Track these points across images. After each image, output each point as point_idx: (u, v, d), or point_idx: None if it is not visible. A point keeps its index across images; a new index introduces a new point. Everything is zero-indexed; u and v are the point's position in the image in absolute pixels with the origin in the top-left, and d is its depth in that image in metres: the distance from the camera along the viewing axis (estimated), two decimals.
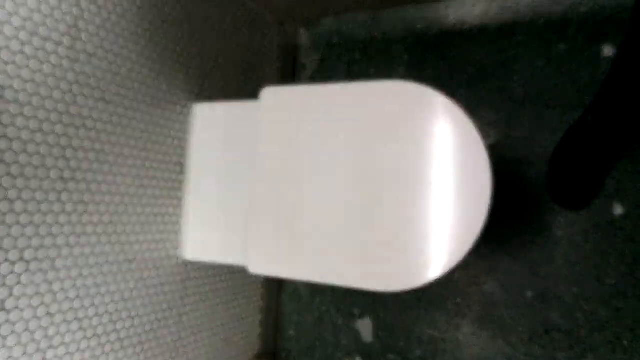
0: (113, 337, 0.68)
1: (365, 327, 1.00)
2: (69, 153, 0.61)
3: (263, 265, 0.70)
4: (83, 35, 0.63)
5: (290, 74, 1.12)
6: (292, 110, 0.70)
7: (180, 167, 0.79)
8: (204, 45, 0.85)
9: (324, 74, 1.10)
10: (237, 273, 0.94)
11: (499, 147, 0.91)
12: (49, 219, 0.59)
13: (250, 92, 0.99)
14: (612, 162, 0.83)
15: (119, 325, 0.68)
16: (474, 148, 0.61)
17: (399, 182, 0.63)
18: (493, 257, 0.91)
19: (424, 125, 0.63)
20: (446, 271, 0.61)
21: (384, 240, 0.63)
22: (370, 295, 1.00)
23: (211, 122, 0.80)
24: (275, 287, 1.08)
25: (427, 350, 0.94)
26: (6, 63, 0.54)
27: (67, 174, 0.61)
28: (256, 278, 1.01)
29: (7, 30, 0.54)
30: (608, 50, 0.86)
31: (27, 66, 0.57)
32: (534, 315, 0.87)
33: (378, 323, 0.99)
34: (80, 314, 0.63)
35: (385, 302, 0.99)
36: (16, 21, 0.55)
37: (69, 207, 0.61)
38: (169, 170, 0.78)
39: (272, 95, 0.72)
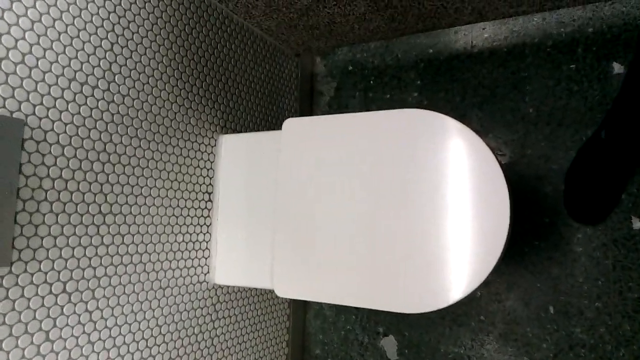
0: None
1: (390, 345, 1.01)
2: (106, 188, 0.65)
3: (289, 288, 0.72)
4: (117, 78, 0.68)
5: (308, 102, 1.16)
6: (312, 139, 0.73)
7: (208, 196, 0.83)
8: (228, 80, 0.90)
9: (340, 100, 1.14)
10: (264, 295, 0.97)
11: (515, 165, 0.93)
12: (89, 251, 0.63)
13: (271, 120, 1.03)
14: (627, 177, 0.84)
15: (154, 351, 0.71)
16: (490, 171, 0.63)
17: (419, 207, 0.65)
18: (513, 274, 0.92)
19: (440, 150, 0.65)
20: (468, 293, 0.63)
21: (406, 263, 0.65)
22: (394, 314, 1.01)
23: (237, 152, 0.83)
24: (301, 308, 1.10)
25: None
26: (48, 108, 0.59)
27: (105, 208, 0.65)
28: (282, 299, 1.03)
29: (49, 77, 0.59)
30: (618, 68, 0.88)
31: (67, 110, 0.61)
32: (558, 331, 0.88)
33: (402, 341, 1.00)
34: (119, 342, 0.66)
35: (409, 320, 1.00)
36: (57, 69, 0.60)
37: (107, 240, 0.65)
38: (199, 200, 0.81)
39: (294, 125, 0.75)
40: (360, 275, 0.68)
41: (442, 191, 0.65)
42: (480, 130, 0.97)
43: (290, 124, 0.75)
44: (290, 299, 1.06)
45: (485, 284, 0.94)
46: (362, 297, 0.68)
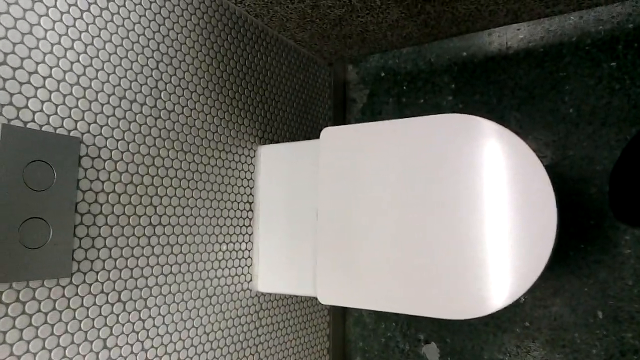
0: None
1: (432, 353, 1.00)
2: (155, 201, 0.68)
3: (332, 296, 0.73)
4: (163, 94, 0.71)
5: (341, 110, 1.17)
6: (351, 147, 0.74)
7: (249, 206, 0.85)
8: (265, 92, 0.92)
9: (373, 107, 1.14)
10: (304, 302, 0.98)
11: (557, 167, 0.91)
12: (141, 262, 0.66)
13: (306, 130, 1.04)
14: None
15: (202, 358, 0.73)
16: (535, 174, 0.62)
17: (461, 212, 0.65)
18: (559, 279, 0.90)
19: (482, 155, 0.65)
20: (513, 300, 0.62)
21: (449, 269, 0.65)
22: (435, 321, 1.00)
23: (276, 162, 0.85)
24: (340, 315, 1.10)
25: None
26: (101, 126, 0.62)
27: (154, 220, 0.68)
28: (322, 306, 1.04)
29: (101, 97, 0.62)
30: None
31: (118, 127, 0.64)
32: (607, 336, 0.85)
33: (445, 348, 0.99)
34: (170, 349, 0.68)
35: (451, 327, 0.99)
36: (108, 88, 0.63)
37: (157, 250, 0.68)
38: (240, 210, 0.83)
39: (332, 134, 0.76)
40: (403, 281, 0.68)
41: (486, 196, 0.64)
42: (520, 132, 0.95)
43: (328, 132, 0.76)
44: (330, 307, 1.07)
45: (530, 289, 0.92)
46: (405, 304, 0.68)
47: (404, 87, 1.10)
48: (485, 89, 1.00)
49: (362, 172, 0.72)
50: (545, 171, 0.63)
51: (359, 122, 1.15)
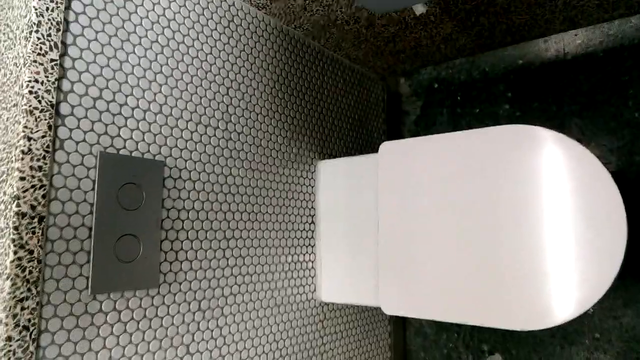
0: None
1: None
2: (228, 216, 0.73)
3: (396, 306, 0.75)
4: (232, 118, 0.76)
5: (395, 122, 1.19)
6: (409, 161, 0.77)
7: (311, 219, 0.89)
8: (323, 109, 0.96)
9: (427, 118, 1.16)
10: (365, 312, 1.00)
11: (624, 174, 0.89)
12: (217, 273, 0.71)
13: (361, 143, 1.07)
14: None
15: None
16: (601, 181, 0.62)
17: (526, 223, 0.65)
18: (629, 289, 0.87)
19: (544, 165, 0.65)
20: (581, 312, 0.62)
21: (514, 280, 0.65)
22: (500, 332, 0.99)
23: (335, 176, 0.89)
24: (400, 325, 1.11)
25: None
26: (181, 149, 0.68)
27: (228, 234, 0.73)
28: (383, 316, 1.06)
29: (180, 123, 0.68)
30: None
31: (195, 149, 0.70)
32: None
33: (510, 359, 0.98)
34: (244, 355, 0.73)
35: (516, 338, 0.97)
36: (186, 115, 0.69)
37: (231, 262, 0.73)
38: (303, 222, 0.87)
39: (390, 148, 0.79)
40: (467, 292, 0.69)
41: (551, 206, 0.64)
42: (582, 139, 0.94)
43: (386, 147, 0.79)
44: (391, 317, 1.08)
45: (599, 300, 0.89)
46: (470, 314, 0.69)
47: (458, 98, 1.11)
48: (544, 96, 0.99)
49: (421, 184, 0.74)
50: (612, 178, 0.62)
51: (412, 134, 1.17)
